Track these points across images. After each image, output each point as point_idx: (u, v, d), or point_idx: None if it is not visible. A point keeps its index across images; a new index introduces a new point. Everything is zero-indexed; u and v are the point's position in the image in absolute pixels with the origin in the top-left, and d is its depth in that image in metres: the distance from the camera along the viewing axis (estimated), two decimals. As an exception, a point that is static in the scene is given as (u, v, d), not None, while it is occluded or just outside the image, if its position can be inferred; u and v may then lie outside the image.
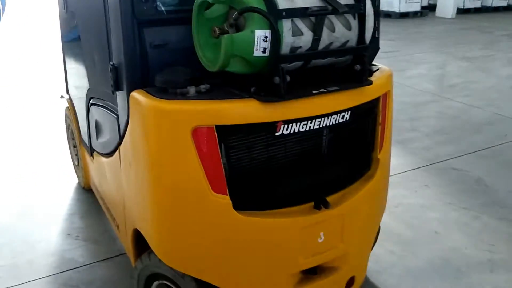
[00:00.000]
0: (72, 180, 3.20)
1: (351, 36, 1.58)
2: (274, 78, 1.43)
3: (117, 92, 1.74)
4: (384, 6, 11.53)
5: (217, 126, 1.46)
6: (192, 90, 1.51)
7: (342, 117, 1.64)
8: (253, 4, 1.40)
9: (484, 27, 10.38)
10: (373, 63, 1.94)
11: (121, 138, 1.80)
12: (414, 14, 11.54)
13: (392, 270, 2.36)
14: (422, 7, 11.79)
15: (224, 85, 1.56)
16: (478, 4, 12.57)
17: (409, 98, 5.22)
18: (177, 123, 1.46)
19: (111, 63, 1.72)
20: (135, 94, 1.57)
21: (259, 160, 1.56)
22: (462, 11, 12.08)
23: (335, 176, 1.74)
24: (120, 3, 1.54)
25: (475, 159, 3.68)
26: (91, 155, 2.51)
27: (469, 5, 12.35)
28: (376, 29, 1.82)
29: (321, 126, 1.59)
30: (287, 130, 1.54)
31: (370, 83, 1.65)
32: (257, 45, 1.41)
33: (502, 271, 2.37)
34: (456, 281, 2.29)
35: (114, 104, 1.84)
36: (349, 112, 1.65)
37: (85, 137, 2.61)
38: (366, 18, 1.57)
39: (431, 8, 12.10)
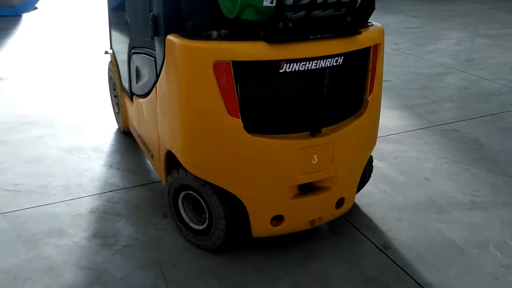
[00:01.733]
0: (113, 126, 3.68)
1: (344, -6, 1.95)
2: (279, 23, 1.83)
3: (155, 38, 2.17)
4: (413, -16, 11.58)
5: (233, 62, 1.87)
6: (214, 33, 1.93)
7: (336, 61, 2.02)
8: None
9: (511, 7, 10.35)
10: (369, 20, 2.29)
11: (157, 76, 2.23)
12: (444, -7, 11.52)
13: (382, 204, 2.75)
14: (452, -14, 11.75)
15: (239, 30, 1.96)
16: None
17: (423, 70, 5.49)
18: (201, 58, 1.88)
19: (151, 13, 2.15)
20: (170, 37, 1.99)
21: (265, 92, 1.97)
22: (493, -9, 11.96)
23: (330, 112, 2.13)
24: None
25: (476, 123, 3.98)
26: (131, 99, 2.97)
27: (501, -16, 12.20)
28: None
29: (317, 67, 1.98)
30: (289, 68, 1.93)
31: (359, 33, 2.02)
32: (265, -3, 1.80)
33: (481, 210, 2.73)
34: (437, 215, 2.66)
35: (153, 49, 2.27)
36: (342, 57, 2.03)
37: (126, 84, 3.07)
38: (358, -22, 1.94)
39: (462, -13, 12.04)
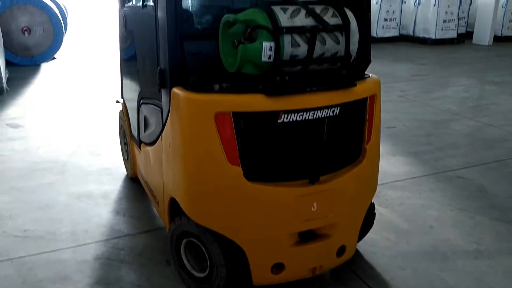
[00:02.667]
0: (122, 173, 3.78)
1: (340, 48, 2.06)
2: (276, 77, 1.93)
3: (162, 90, 2.28)
4: (420, 32, 11.88)
5: (233, 113, 1.96)
6: (216, 86, 2.04)
7: (333, 112, 2.11)
8: (262, 23, 1.92)
9: (519, 54, 10.51)
10: (366, 72, 2.39)
11: (163, 126, 2.33)
12: (451, 41, 11.76)
13: (385, 252, 2.75)
14: (459, 34, 12.01)
15: (240, 83, 2.07)
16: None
17: (429, 117, 5.56)
18: (203, 109, 1.98)
19: (158, 67, 2.27)
20: (175, 89, 2.10)
21: (265, 141, 2.05)
22: (499, 39, 12.19)
23: (328, 160, 2.19)
24: (167, 22, 2.09)
25: (482, 170, 3.99)
26: (139, 147, 3.08)
27: (507, 32, 12.45)
28: (366, 44, 2.30)
29: (314, 117, 2.06)
30: (287, 118, 2.02)
31: (354, 85, 2.11)
32: (264, 53, 1.92)
33: (485, 258, 2.71)
34: (441, 264, 2.65)
35: (159, 100, 2.38)
36: (338, 107, 2.11)
37: (135, 132, 3.18)
38: (351, 35, 2.05)
39: (469, 35, 12.29)
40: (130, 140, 3.39)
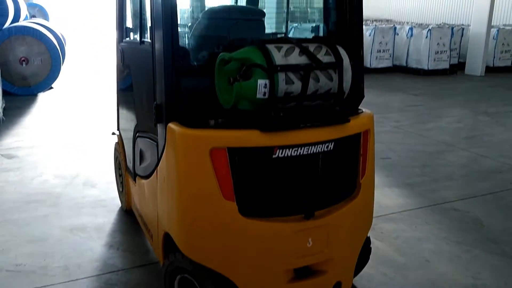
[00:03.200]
0: (116, 205, 3.75)
1: (333, 85, 2.09)
2: (271, 113, 1.95)
3: (158, 124, 2.30)
4: (413, 63, 12.08)
5: (228, 148, 1.97)
6: (212, 122, 2.06)
7: (327, 147, 2.12)
8: (257, 61, 1.95)
9: (511, 84, 10.67)
10: (360, 107, 2.42)
11: (159, 160, 2.34)
12: (443, 72, 11.95)
13: (382, 287, 2.72)
14: (451, 65, 12.22)
15: (235, 118, 2.09)
16: (508, 63, 12.89)
17: (424, 147, 5.60)
18: (199, 145, 1.99)
19: (155, 102, 2.30)
20: (171, 125, 2.12)
21: (260, 176, 2.05)
22: (491, 69, 12.42)
23: (323, 195, 2.19)
24: (164, 58, 2.12)
25: (477, 202, 3.99)
26: (134, 179, 3.07)
27: (499, 63, 12.69)
28: (359, 80, 2.34)
29: (309, 152, 2.08)
30: (281, 154, 2.03)
31: (348, 121, 2.14)
32: (259, 90, 1.95)
33: (483, 294, 2.68)
34: (438, 299, 2.62)
35: (155, 134, 2.40)
36: (333, 143, 2.13)
37: (130, 165, 3.18)
38: (344, 72, 2.08)
39: (461, 65, 12.51)
40: (125, 172, 3.39)
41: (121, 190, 3.67)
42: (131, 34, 3.02)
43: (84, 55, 14.65)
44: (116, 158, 3.75)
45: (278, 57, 1.98)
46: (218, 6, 2.78)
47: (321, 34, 2.71)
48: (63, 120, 6.64)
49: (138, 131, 2.85)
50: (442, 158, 5.27)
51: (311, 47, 2.08)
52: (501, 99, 8.93)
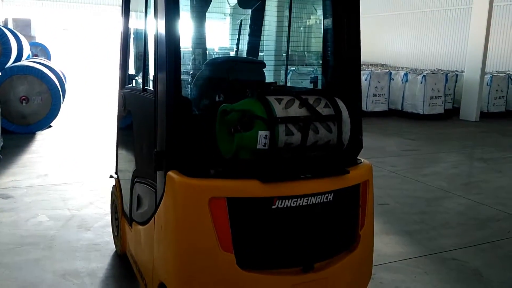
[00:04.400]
0: (110, 249, 3.70)
1: (332, 137, 2.12)
2: (271, 164, 1.97)
3: (157, 172, 2.31)
4: (408, 107, 12.25)
5: (227, 198, 1.97)
6: (212, 171, 2.06)
7: (326, 198, 2.13)
8: (258, 113, 1.98)
9: (506, 130, 10.81)
10: (358, 157, 2.44)
11: (157, 207, 2.33)
12: (438, 117, 12.10)
13: None
14: (446, 110, 12.39)
15: (235, 168, 2.10)
16: (502, 108, 13.09)
17: (421, 194, 5.60)
18: (198, 194, 2.00)
19: (155, 150, 2.31)
20: (170, 173, 2.12)
21: (259, 227, 2.04)
22: (486, 115, 12.59)
23: (322, 247, 2.18)
24: (166, 108, 2.16)
25: (475, 252, 3.96)
26: (130, 224, 3.04)
27: (493, 109, 12.89)
28: (358, 131, 2.37)
29: (308, 203, 2.08)
30: (281, 204, 2.03)
31: (347, 172, 2.15)
32: (259, 141, 1.97)
33: None
34: None
35: (154, 181, 2.40)
36: (332, 194, 2.14)
37: (127, 209, 3.16)
38: (343, 124, 2.12)
39: (455, 110, 12.69)
40: (122, 216, 3.36)
41: (116, 234, 3.63)
42: (133, 81, 3.08)
43: (84, 94, 14.81)
44: (113, 202, 3.73)
45: (279, 109, 2.01)
46: (221, 58, 2.85)
47: (319, 84, 2.77)
48: (61, 160, 6.64)
49: (137, 177, 2.85)
50: (439, 204, 5.26)
51: (311, 100, 2.12)
52: (496, 144, 9.01)
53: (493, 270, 3.62)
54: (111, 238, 3.80)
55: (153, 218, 2.41)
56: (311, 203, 2.08)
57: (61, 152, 7.11)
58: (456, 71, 14.14)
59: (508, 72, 13.76)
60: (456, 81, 13.07)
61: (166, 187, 2.16)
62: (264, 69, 2.77)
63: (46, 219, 4.34)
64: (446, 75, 12.40)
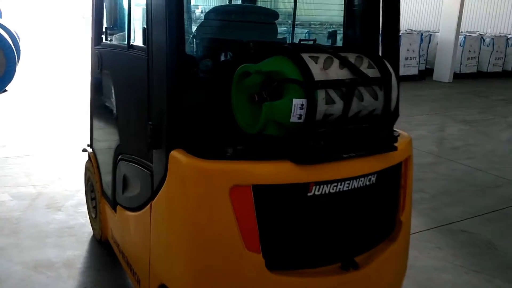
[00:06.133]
0: (88, 233, 3.22)
1: (378, 105, 1.71)
2: (309, 142, 1.54)
3: (154, 151, 1.84)
4: (384, 69, 11.98)
5: (253, 186, 1.55)
6: (230, 150, 1.62)
7: (369, 180, 1.73)
8: (292, 76, 1.53)
9: (480, 91, 10.75)
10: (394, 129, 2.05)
11: (154, 193, 1.88)
12: (413, 78, 11.91)
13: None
14: (420, 71, 12.21)
15: (259, 146, 1.66)
16: (474, 69, 13.04)
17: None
18: (216, 182, 1.55)
19: (150, 123, 1.83)
20: (175, 153, 1.66)
21: (291, 220, 1.64)
22: (458, 76, 12.51)
23: (362, 238, 1.81)
24: (167, 70, 1.67)
25: (483, 222, 3.74)
26: (114, 208, 2.57)
27: (465, 70, 12.81)
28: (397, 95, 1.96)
29: (350, 188, 1.68)
30: (318, 191, 1.62)
31: (395, 148, 1.75)
32: (294, 112, 1.53)
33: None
34: None
35: (148, 161, 1.93)
36: (376, 175, 1.74)
37: (108, 190, 2.68)
38: (392, 89, 1.71)
39: (428, 72, 12.54)
40: (101, 197, 2.88)
41: (94, 216, 3.15)
42: (113, 36, 2.52)
43: (42, 55, 13.70)
44: (87, 179, 3.22)
45: (316, 71, 1.57)
46: (225, 5, 2.33)
47: (339, 42, 2.34)
48: (20, 129, 5.96)
49: (122, 153, 2.36)
50: (434, 171, 5.03)
51: (351, 58, 1.69)
52: (474, 106, 8.89)
53: (506, 241, 3.40)
54: (86, 219, 3.32)
55: (149, 206, 1.96)
56: (352, 187, 1.69)
57: (19, 120, 6.40)
58: (429, 31, 13.92)
59: (480, 33, 13.68)
60: (429, 41, 12.86)
61: (169, 170, 1.71)
62: (276, 24, 2.28)
63: (9, 198, 3.78)
64: (421, 35, 12.13)
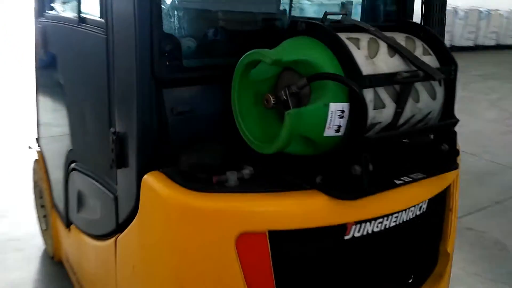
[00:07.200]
0: (38, 248, 2.65)
1: (435, 107, 1.23)
2: (353, 167, 1.04)
3: (118, 170, 1.31)
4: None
5: (271, 232, 1.05)
6: (232, 177, 1.10)
7: (420, 209, 1.27)
8: (327, 68, 1.02)
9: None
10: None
11: (121, 226, 1.36)
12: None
13: None
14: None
15: (271, 167, 1.16)
16: (447, 43, 12.83)
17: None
18: (216, 228, 1.05)
19: (112, 130, 1.29)
20: (150, 178, 1.14)
21: (319, 274, 1.15)
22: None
23: (406, 278, 1.36)
24: (136, 57, 1.13)
25: (487, 217, 3.42)
26: (67, 226, 2.03)
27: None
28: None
29: (397, 222, 1.21)
30: (358, 231, 1.14)
31: (457, 166, 1.29)
32: (330, 122, 1.03)
33: None
34: None
35: (111, 179, 1.40)
36: (427, 201, 1.28)
37: (60, 203, 2.11)
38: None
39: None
40: (52, 208, 2.31)
41: (44, 228, 2.58)
42: (59, 5, 1.89)
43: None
44: (35, 183, 2.63)
45: (361, 60, 1.07)
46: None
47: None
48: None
49: (75, 162, 1.80)
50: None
51: (399, 39, 1.19)
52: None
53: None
54: (35, 229, 2.73)
55: (113, 240, 1.43)
56: (400, 221, 1.22)
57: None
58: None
59: (453, 6, 13.43)
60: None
61: (142, 202, 1.18)
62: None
63: None
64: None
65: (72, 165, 1.82)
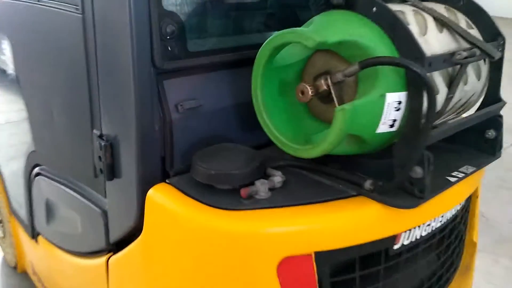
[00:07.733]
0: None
1: (478, 88, 1.08)
2: (414, 168, 0.87)
3: (108, 182, 1.06)
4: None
5: (317, 254, 0.86)
6: (263, 187, 0.90)
7: (461, 205, 1.13)
8: (381, 50, 0.83)
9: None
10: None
11: (113, 246, 1.13)
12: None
13: None
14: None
15: (301, 168, 0.97)
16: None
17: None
18: (253, 254, 0.84)
19: (96, 132, 1.04)
20: (158, 194, 0.92)
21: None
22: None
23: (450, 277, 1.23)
24: (132, 41, 0.87)
25: (494, 200, 3.29)
26: (33, 237, 1.74)
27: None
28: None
29: (443, 222, 1.07)
30: (407, 238, 0.98)
31: (500, 155, 1.15)
32: (385, 116, 0.85)
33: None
34: None
35: (97, 191, 1.16)
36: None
37: (21, 210, 1.82)
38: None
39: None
40: (10, 215, 2.00)
41: (2, 235, 2.25)
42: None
43: None
44: (-15, 185, 2.28)
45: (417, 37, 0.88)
46: None
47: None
48: None
49: (39, 166, 1.51)
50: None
51: (442, 12, 1.01)
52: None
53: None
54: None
55: (104, 259, 1.20)
56: (445, 221, 1.07)
57: None
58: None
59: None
60: None
61: (147, 222, 0.96)
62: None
63: None
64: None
65: (36, 169, 1.53)
